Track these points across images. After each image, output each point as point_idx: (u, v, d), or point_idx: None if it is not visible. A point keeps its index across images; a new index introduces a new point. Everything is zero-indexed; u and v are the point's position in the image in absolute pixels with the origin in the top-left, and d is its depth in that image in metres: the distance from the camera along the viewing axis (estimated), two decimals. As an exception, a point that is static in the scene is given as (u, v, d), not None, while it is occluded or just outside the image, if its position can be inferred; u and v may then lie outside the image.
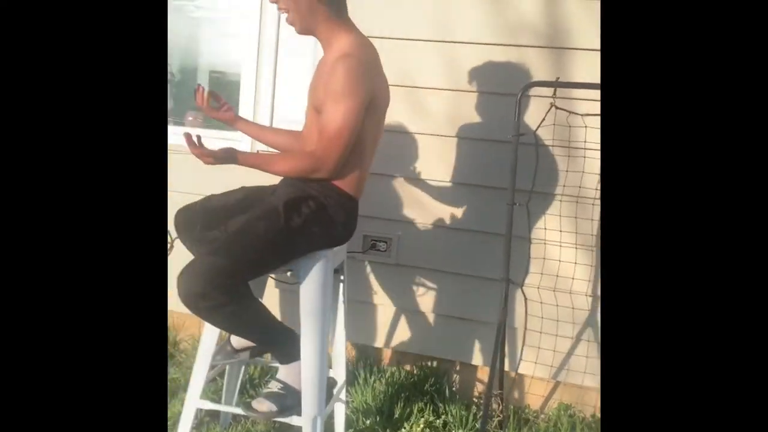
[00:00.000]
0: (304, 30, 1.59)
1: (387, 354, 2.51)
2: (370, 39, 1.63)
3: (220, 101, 1.87)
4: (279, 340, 1.62)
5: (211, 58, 2.91)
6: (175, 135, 2.56)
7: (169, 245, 1.80)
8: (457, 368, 2.44)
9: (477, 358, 2.35)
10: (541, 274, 2.20)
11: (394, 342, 2.45)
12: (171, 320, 2.62)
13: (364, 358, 2.47)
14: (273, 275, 2.03)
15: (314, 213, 1.56)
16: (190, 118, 2.68)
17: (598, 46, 1.66)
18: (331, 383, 1.81)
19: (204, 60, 2.93)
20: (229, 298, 1.44)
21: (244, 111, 2.48)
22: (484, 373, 2.37)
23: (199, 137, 1.55)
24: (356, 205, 1.69)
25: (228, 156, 1.56)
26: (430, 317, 2.41)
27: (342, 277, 1.88)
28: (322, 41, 1.60)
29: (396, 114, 2.23)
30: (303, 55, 2.33)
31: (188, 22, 2.83)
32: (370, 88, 1.51)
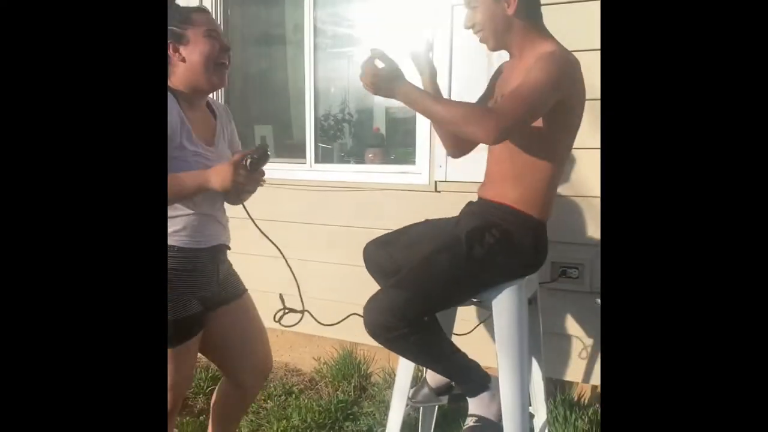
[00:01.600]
0: (498, 46, 1.55)
1: (585, 389, 2.32)
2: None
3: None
4: (466, 372, 1.57)
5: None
6: (357, 173, 2.67)
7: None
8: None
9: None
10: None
11: (594, 376, 2.26)
12: (362, 353, 2.69)
13: (561, 394, 2.31)
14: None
15: (499, 241, 1.49)
16: (370, 155, 2.78)
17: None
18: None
19: (379, 99, 3.04)
20: (412, 329, 1.42)
21: (421, 143, 2.49)
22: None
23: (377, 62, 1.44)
24: (544, 228, 1.58)
25: (391, 80, 1.42)
26: (634, 349, 2.18)
27: (536, 307, 1.77)
28: (514, 54, 1.55)
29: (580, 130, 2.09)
30: (477, 79, 2.29)
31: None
32: (566, 84, 1.43)
